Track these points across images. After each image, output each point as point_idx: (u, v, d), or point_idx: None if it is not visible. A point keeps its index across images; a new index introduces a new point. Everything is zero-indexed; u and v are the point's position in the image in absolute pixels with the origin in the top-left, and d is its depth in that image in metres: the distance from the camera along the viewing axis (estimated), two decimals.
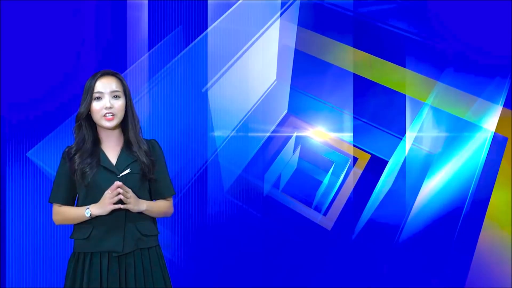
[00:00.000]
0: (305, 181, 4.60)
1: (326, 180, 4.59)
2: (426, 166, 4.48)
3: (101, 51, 4.39)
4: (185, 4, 4.42)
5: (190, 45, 4.44)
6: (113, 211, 2.73)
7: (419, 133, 4.47)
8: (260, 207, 4.50)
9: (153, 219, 2.88)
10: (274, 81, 4.55)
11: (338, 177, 4.57)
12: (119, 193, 2.69)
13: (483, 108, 4.42)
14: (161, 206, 2.87)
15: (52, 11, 4.35)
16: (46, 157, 4.33)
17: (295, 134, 4.58)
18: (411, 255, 4.43)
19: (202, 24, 4.42)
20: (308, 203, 4.57)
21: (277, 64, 4.56)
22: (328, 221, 4.52)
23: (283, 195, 4.57)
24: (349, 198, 4.51)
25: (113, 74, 2.81)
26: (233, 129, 4.50)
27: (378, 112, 4.53)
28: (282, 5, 4.53)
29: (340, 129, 4.56)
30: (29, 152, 4.30)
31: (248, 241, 4.49)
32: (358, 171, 4.54)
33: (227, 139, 4.49)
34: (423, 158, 4.49)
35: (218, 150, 4.45)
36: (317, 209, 4.56)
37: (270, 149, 4.56)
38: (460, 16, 4.43)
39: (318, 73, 4.55)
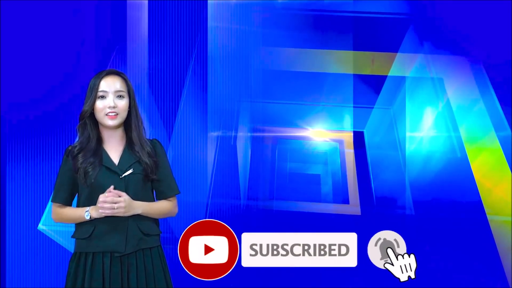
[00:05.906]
0: (308, 182, 4.57)
1: (328, 173, 4.56)
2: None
3: (101, 51, 4.39)
4: (185, 4, 4.41)
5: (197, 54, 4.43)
6: None
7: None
8: (276, 223, 4.44)
9: (155, 219, 2.88)
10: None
11: (337, 165, 4.53)
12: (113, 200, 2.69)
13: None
14: (161, 207, 2.86)
15: (52, 11, 4.34)
16: (47, 160, 4.34)
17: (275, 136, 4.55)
18: (428, 208, 4.39)
19: (202, 24, 4.42)
20: (320, 200, 4.52)
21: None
22: (354, 208, 4.47)
23: (297, 203, 4.52)
24: (358, 179, 4.48)
25: (118, 74, 2.82)
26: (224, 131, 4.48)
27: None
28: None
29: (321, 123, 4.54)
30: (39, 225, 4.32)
31: None
32: (350, 150, 4.51)
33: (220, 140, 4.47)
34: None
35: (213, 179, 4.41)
36: (336, 201, 4.51)
37: (257, 163, 4.52)
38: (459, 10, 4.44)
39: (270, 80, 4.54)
